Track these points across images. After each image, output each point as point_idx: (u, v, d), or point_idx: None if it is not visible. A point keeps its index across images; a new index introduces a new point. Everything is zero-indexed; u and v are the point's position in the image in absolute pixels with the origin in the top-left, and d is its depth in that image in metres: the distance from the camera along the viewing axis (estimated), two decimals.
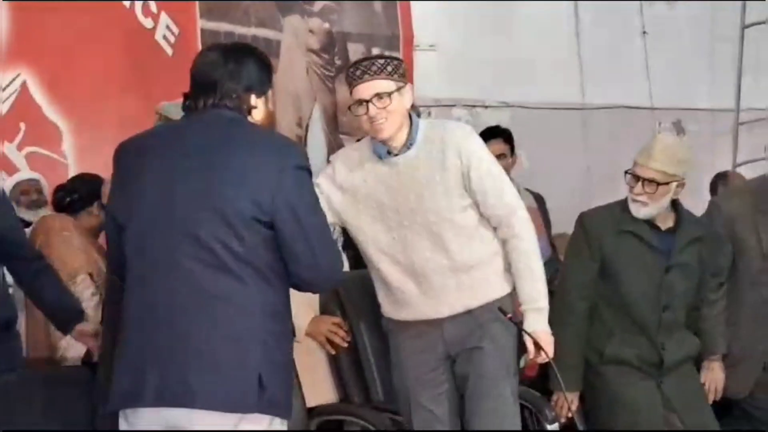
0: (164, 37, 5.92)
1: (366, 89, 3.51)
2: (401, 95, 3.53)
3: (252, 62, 3.02)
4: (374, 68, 3.51)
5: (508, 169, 5.28)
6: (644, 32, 8.13)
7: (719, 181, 6.74)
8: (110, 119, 5.57)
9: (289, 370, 3.00)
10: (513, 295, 3.70)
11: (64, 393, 3.60)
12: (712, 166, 7.39)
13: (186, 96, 3.05)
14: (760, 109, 8.22)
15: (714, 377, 4.38)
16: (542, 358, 3.59)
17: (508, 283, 3.68)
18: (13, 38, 5.43)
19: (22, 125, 5.51)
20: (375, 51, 6.84)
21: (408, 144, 3.58)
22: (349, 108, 3.60)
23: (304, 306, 4.09)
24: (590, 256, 4.16)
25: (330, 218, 3.52)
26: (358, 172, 3.63)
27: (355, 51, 6.74)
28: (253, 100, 3.01)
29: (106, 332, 3.46)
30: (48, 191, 5.37)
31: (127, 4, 5.81)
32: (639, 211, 4.12)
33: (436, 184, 3.55)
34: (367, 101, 3.50)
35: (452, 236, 3.56)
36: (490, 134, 5.36)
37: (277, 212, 2.86)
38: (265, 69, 3.07)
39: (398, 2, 7.02)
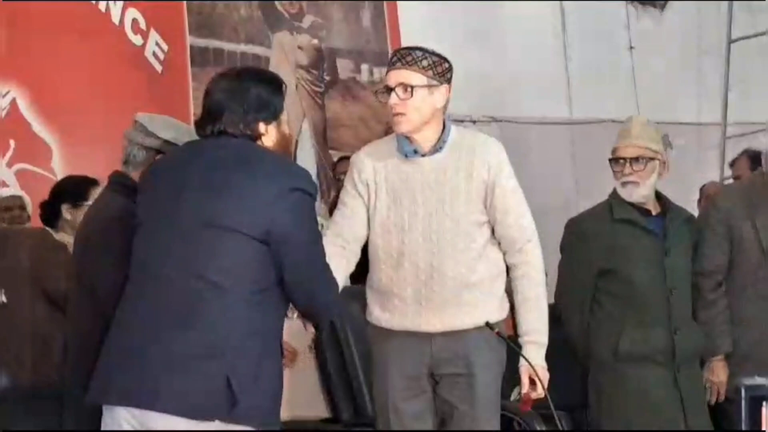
0: (153, 54, 5.95)
1: (394, 77, 3.41)
2: (431, 93, 3.41)
3: (262, 88, 3.01)
4: (409, 58, 3.41)
5: None
6: (631, 47, 8.17)
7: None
8: (100, 136, 5.58)
9: (274, 385, 2.97)
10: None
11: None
12: (700, 180, 7.43)
13: (197, 121, 3.07)
14: (747, 123, 8.26)
15: (715, 379, 4.28)
16: (537, 394, 3.47)
17: (503, 309, 3.57)
18: (4, 56, 5.45)
19: (12, 142, 5.53)
20: (364, 67, 6.87)
21: (438, 147, 3.46)
22: (375, 93, 3.54)
23: None
24: (585, 256, 4.16)
25: (353, 226, 3.51)
26: (381, 168, 3.49)
27: (344, 67, 6.77)
28: (262, 127, 2.99)
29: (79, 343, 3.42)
30: (32, 208, 5.37)
31: (116, 20, 5.84)
32: (632, 194, 4.13)
33: (460, 192, 3.45)
34: (392, 89, 3.40)
35: (464, 248, 3.45)
36: None
37: (273, 232, 2.87)
38: (276, 93, 3.05)
39: (387, 18, 7.05)
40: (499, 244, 3.54)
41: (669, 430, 4.07)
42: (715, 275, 4.32)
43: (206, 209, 2.87)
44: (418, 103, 3.40)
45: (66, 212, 4.76)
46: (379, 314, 3.56)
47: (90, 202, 4.52)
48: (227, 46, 6.28)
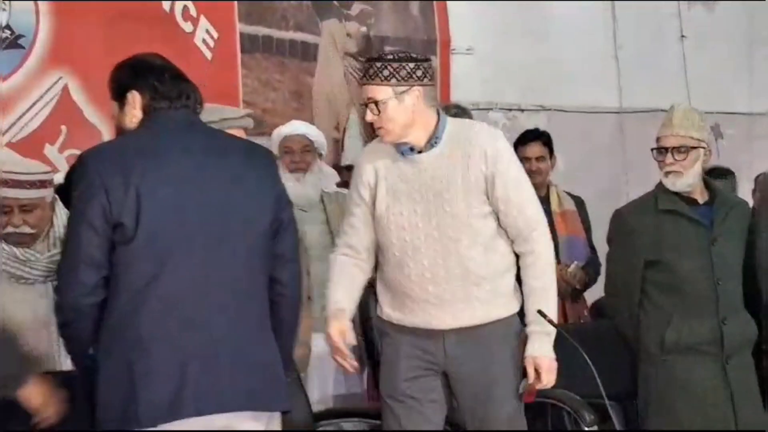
0: (203, 41, 5.96)
1: (364, 93, 3.47)
2: (400, 101, 3.40)
3: None
4: (371, 71, 3.44)
5: (547, 172, 5.30)
6: (683, 36, 8.10)
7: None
8: None
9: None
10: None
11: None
12: (750, 170, 7.35)
13: (166, 93, 3.08)
14: None
15: None
16: (542, 385, 3.47)
17: (517, 301, 3.56)
18: (55, 42, 5.48)
19: (63, 128, 5.55)
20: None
21: (432, 142, 3.46)
22: (362, 106, 3.54)
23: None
24: (631, 248, 4.13)
25: (362, 235, 3.57)
26: (382, 169, 3.51)
27: None
28: None
29: None
30: None
31: (167, 7, 5.86)
32: (676, 183, 4.11)
33: (457, 187, 3.43)
34: (366, 105, 3.45)
35: (468, 243, 3.43)
36: (529, 137, 5.37)
37: (283, 211, 2.99)
38: None
39: (435, 6, 7.03)
40: (507, 233, 3.51)
41: (718, 421, 4.04)
42: None
43: (235, 205, 2.91)
44: (390, 115, 3.40)
45: None
46: (390, 312, 3.57)
47: None
48: (276, 33, 6.29)
